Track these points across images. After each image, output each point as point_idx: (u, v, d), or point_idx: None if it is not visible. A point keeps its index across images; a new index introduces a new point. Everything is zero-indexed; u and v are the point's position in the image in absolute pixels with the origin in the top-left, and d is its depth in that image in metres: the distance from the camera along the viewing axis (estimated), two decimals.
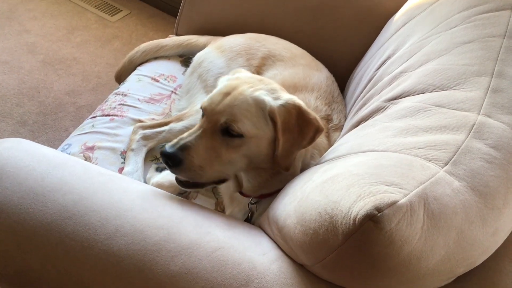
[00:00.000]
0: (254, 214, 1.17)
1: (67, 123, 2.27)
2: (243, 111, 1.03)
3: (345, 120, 1.39)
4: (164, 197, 0.96)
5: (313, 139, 1.07)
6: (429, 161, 0.79)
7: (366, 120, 1.10)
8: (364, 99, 1.25)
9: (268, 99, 1.05)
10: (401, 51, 1.24)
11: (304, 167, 1.14)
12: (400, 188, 0.70)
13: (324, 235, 0.72)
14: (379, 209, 0.66)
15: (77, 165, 0.98)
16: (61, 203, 0.87)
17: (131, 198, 0.91)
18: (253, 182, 1.15)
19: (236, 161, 1.06)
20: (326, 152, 1.10)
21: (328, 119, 1.34)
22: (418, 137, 0.87)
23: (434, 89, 1.00)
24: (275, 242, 0.90)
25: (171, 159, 1.02)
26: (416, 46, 1.19)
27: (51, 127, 2.23)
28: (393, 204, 0.66)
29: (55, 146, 2.10)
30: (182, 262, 0.81)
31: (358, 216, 0.66)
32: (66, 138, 2.08)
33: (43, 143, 2.14)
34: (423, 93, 1.01)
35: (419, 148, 0.83)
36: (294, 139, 1.04)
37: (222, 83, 1.12)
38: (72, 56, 2.65)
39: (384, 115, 1.02)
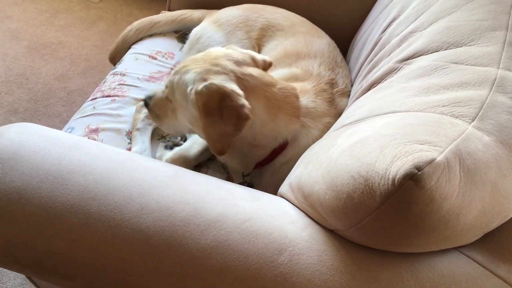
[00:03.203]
0: (254, 185, 1.20)
1: (59, 109, 2.22)
2: (175, 85, 1.15)
3: (352, 85, 1.37)
4: (184, 174, 0.94)
5: (237, 127, 1.04)
6: (456, 117, 0.79)
7: (379, 83, 1.09)
8: (372, 63, 1.23)
9: (193, 81, 1.07)
10: (407, 12, 1.22)
11: (291, 136, 1.16)
12: (435, 146, 0.70)
13: (360, 198, 0.71)
14: (418, 168, 0.65)
15: (92, 145, 0.95)
16: (82, 185, 0.85)
17: (152, 176, 0.89)
18: (233, 154, 1.18)
19: (178, 123, 1.22)
20: (341, 117, 1.08)
21: (332, 83, 1.32)
22: (440, 95, 0.86)
23: (448, 47, 0.98)
24: (301, 210, 0.90)
25: (145, 101, 1.28)
26: (423, 5, 1.17)
27: (43, 113, 2.18)
28: (431, 161, 0.66)
29: None
30: (212, 236, 0.80)
31: (398, 176, 0.66)
32: (60, 124, 2.05)
33: None
34: (438, 51, 1.00)
35: (443, 106, 0.82)
36: (216, 124, 1.04)
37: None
38: (57, 40, 2.59)
39: (400, 76, 1.01)
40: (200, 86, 1.04)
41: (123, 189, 0.85)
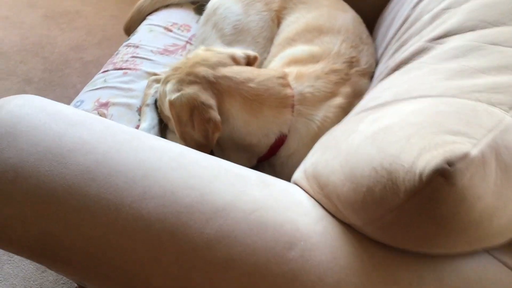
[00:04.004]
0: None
1: (74, 80, 2.17)
2: (161, 95, 1.17)
3: (377, 64, 1.28)
4: (193, 155, 0.88)
5: (207, 140, 1.05)
6: (493, 105, 0.70)
7: (407, 63, 1.00)
8: (400, 40, 1.14)
9: (169, 91, 1.09)
10: None
11: (286, 129, 1.11)
12: (469, 138, 0.62)
13: (381, 192, 0.64)
14: (450, 163, 0.57)
15: (97, 122, 0.89)
16: (82, 164, 0.79)
17: (158, 156, 0.83)
18: (231, 152, 1.16)
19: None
20: (364, 99, 1.00)
21: (351, 61, 1.23)
22: (476, 79, 0.77)
23: (486, 26, 0.89)
24: (316, 201, 0.83)
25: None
26: None
27: (58, 84, 2.14)
28: (465, 156, 0.58)
29: (64, 103, 2.01)
30: (218, 225, 0.74)
31: (426, 172, 0.58)
32: (74, 95, 2.00)
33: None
34: (474, 30, 0.90)
35: (479, 92, 0.73)
36: (190, 134, 1.07)
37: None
38: (74, 9, 2.53)
39: (431, 57, 0.92)
40: (173, 96, 1.07)
41: (125, 170, 0.79)
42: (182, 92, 1.05)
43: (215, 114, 1.03)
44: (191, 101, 1.04)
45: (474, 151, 0.59)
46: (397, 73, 0.99)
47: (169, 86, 1.10)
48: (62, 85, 2.13)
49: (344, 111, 1.11)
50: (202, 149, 1.02)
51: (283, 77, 1.11)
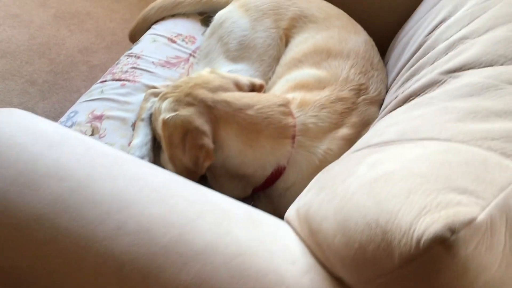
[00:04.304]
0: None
1: (79, 83, 2.13)
2: (156, 112, 1.11)
3: (387, 91, 1.21)
4: (179, 186, 0.81)
5: (197, 167, 0.99)
6: (508, 157, 0.63)
7: (417, 96, 0.93)
8: (412, 69, 1.07)
9: (164, 109, 1.04)
10: (461, 13, 1.04)
11: (284, 161, 1.03)
12: (477, 198, 0.54)
13: (374, 253, 0.57)
14: (452, 230, 0.50)
15: (78, 143, 0.83)
16: (55, 192, 0.73)
17: (138, 187, 0.77)
18: (224, 181, 1.09)
19: None
20: (368, 133, 0.93)
21: (360, 89, 1.16)
22: (490, 124, 0.70)
23: (505, 62, 0.82)
24: (307, 246, 0.76)
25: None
26: (481, 7, 0.99)
27: (62, 87, 2.10)
28: (470, 222, 0.51)
29: (66, 107, 1.97)
30: (195, 271, 0.67)
31: (424, 238, 0.51)
32: (77, 99, 1.95)
33: (53, 104, 2.02)
34: (492, 65, 0.83)
35: (493, 139, 0.66)
36: (180, 157, 1.01)
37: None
38: (85, 10, 2.49)
39: (443, 92, 0.84)
40: (168, 116, 1.01)
41: (101, 201, 0.73)
42: (177, 112, 1.00)
43: (208, 142, 0.97)
44: (185, 124, 0.98)
45: (482, 216, 0.52)
46: (405, 106, 0.92)
47: (165, 104, 1.05)
48: (66, 89, 2.09)
49: (349, 143, 1.04)
50: (190, 175, 0.97)
51: (285, 104, 1.04)
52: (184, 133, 0.99)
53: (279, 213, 1.08)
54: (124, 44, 2.33)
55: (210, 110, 1.00)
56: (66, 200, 0.72)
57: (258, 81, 1.13)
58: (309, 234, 0.73)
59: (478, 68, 0.85)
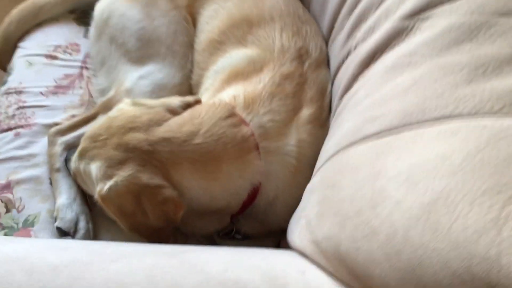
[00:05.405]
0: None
1: None
2: (84, 175, 0.89)
3: (326, 45, 1.05)
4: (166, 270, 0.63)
5: (170, 221, 0.83)
6: None
7: (383, 52, 0.79)
8: (355, 15, 0.92)
9: (97, 180, 0.83)
10: None
11: (257, 179, 0.88)
12: None
13: None
14: None
15: None
16: None
17: None
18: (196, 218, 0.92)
19: None
20: (354, 117, 0.76)
21: (300, 55, 0.99)
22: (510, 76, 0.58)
23: None
24: (341, 282, 0.62)
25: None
26: None
27: None
28: None
29: None
30: None
31: None
32: None
33: None
34: None
35: None
36: (143, 222, 0.83)
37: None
38: None
39: (422, 44, 0.70)
40: (105, 188, 0.80)
41: None
42: (115, 179, 0.79)
43: (169, 192, 0.79)
44: (131, 188, 0.79)
45: None
46: (378, 71, 0.77)
47: (94, 170, 0.83)
48: None
49: (318, 122, 0.91)
50: (163, 232, 0.83)
51: (231, 114, 0.85)
52: (135, 197, 0.79)
53: (269, 227, 0.95)
54: None
55: (150, 155, 0.80)
56: None
57: (191, 98, 0.92)
58: (354, 278, 0.59)
59: (449, 2, 0.71)
